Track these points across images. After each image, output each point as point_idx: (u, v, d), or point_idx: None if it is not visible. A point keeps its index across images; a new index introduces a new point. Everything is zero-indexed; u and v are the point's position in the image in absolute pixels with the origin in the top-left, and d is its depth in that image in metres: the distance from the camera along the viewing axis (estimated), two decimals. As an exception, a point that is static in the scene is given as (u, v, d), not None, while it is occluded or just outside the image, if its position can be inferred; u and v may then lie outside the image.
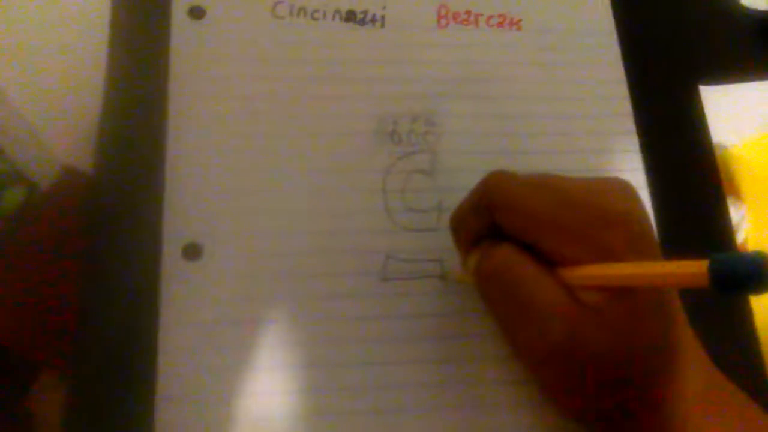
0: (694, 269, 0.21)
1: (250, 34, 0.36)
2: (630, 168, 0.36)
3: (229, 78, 0.35)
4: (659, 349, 0.25)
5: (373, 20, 0.37)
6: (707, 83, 0.40)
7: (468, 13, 0.38)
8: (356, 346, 0.31)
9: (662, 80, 0.39)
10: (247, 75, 0.35)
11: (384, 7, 0.38)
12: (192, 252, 0.32)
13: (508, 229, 0.27)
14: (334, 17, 0.37)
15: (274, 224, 0.33)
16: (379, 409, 0.31)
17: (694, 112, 0.39)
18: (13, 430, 1.01)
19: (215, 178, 0.33)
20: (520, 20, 0.38)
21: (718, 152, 0.38)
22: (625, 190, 0.27)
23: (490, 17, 0.38)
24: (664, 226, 0.35)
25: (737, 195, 0.39)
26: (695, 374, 0.26)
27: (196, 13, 0.36)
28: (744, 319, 0.35)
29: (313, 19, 0.37)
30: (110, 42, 0.37)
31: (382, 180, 0.34)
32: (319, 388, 0.31)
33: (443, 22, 0.38)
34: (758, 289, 0.19)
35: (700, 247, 0.36)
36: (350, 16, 0.37)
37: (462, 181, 0.34)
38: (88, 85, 0.87)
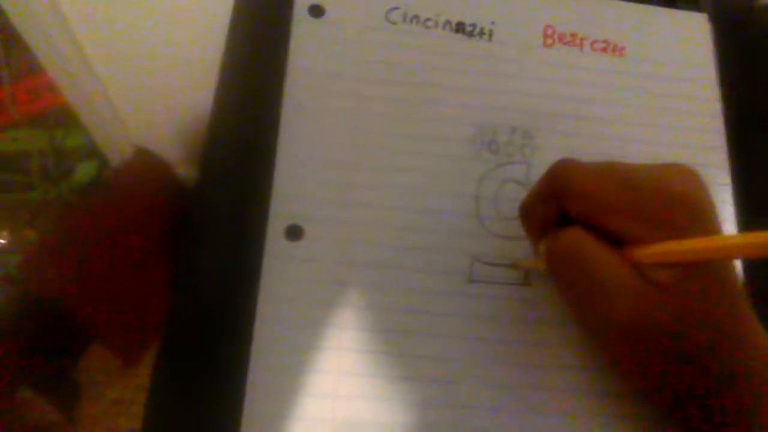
0: (760, 239, 0.22)
1: (364, 35, 0.38)
2: (719, 201, 0.37)
3: (341, 75, 0.37)
4: (722, 324, 0.26)
5: (481, 33, 0.39)
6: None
7: (574, 35, 0.39)
8: (437, 340, 0.33)
9: (758, 122, 0.40)
10: (358, 74, 0.38)
11: (492, 22, 0.39)
12: (294, 233, 0.34)
13: (576, 215, 0.28)
14: (444, 27, 0.39)
15: (370, 216, 0.35)
16: (452, 403, 0.32)
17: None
18: (59, 396, 1.06)
19: (320, 168, 0.36)
20: (624, 47, 0.39)
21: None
22: (690, 175, 0.28)
23: (595, 42, 0.39)
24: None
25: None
26: (760, 352, 0.26)
27: (316, 11, 0.39)
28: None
29: (425, 27, 0.39)
30: (230, 32, 0.39)
31: (477, 186, 0.36)
32: (397, 375, 0.32)
33: (549, 41, 0.39)
34: None
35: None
36: (460, 28, 0.39)
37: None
38: (183, 72, 0.91)
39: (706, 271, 0.26)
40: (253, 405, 0.31)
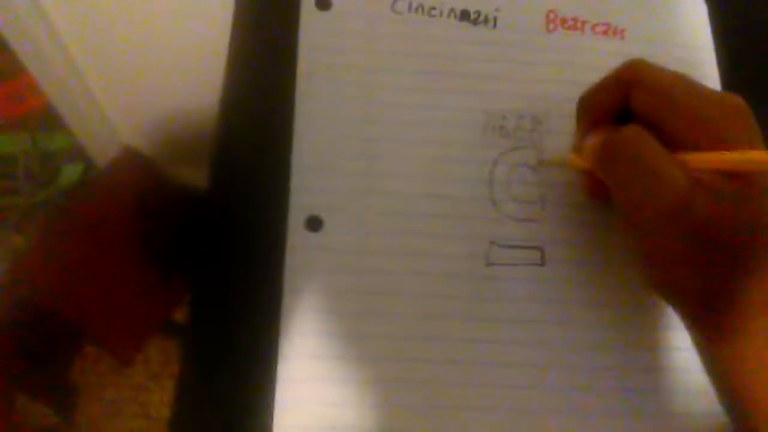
0: None
1: (371, 26, 0.39)
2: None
3: (351, 66, 0.38)
4: (763, 227, 0.27)
5: (486, 21, 0.40)
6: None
7: (575, 19, 0.40)
8: (458, 323, 0.34)
9: (759, 96, 0.41)
10: (367, 65, 0.38)
11: (497, 9, 0.40)
12: (314, 224, 0.35)
13: (640, 106, 0.30)
14: (449, 15, 0.40)
15: (387, 205, 0.36)
16: (474, 383, 0.33)
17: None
18: (56, 401, 1.05)
19: (335, 159, 0.36)
20: (624, 30, 0.40)
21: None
22: (744, 104, 0.29)
23: (596, 25, 0.40)
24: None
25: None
26: None
27: (323, 4, 0.39)
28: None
29: (430, 16, 0.39)
30: (235, 29, 0.39)
31: (489, 171, 0.37)
32: (418, 358, 0.33)
33: (551, 26, 0.40)
34: None
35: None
36: (464, 16, 0.40)
37: (565, 176, 0.37)
38: (170, 70, 0.90)
39: (756, 179, 0.27)
40: (283, 393, 0.32)
